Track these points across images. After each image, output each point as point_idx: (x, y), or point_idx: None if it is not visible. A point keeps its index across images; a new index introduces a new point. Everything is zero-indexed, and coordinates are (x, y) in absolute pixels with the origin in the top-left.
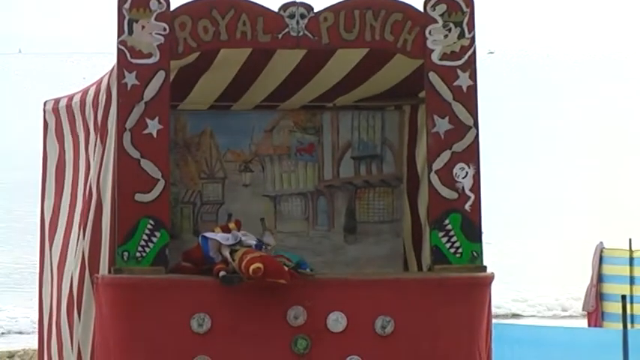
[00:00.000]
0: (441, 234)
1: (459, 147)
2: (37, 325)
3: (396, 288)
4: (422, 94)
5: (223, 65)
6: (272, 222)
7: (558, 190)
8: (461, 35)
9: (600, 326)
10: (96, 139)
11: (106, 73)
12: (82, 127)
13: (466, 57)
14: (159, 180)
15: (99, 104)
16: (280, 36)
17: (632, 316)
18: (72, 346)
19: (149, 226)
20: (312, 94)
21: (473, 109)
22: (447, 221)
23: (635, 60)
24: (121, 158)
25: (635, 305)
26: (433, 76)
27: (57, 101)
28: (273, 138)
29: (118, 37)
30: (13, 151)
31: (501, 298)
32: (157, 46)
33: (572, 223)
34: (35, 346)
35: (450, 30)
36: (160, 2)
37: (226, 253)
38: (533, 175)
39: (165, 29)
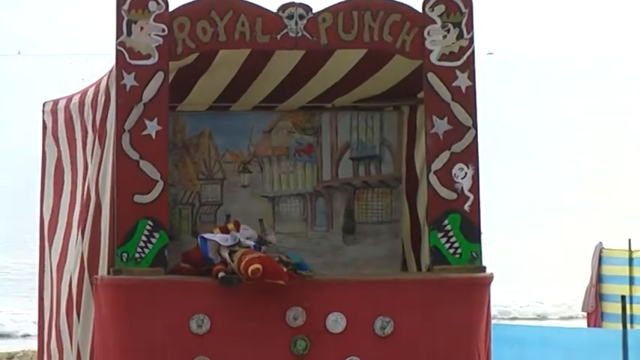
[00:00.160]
0: (440, 234)
1: (457, 147)
2: (36, 326)
3: (396, 289)
4: (421, 95)
5: (222, 66)
6: (271, 223)
7: (557, 191)
8: (460, 36)
9: (600, 327)
10: (94, 140)
11: (105, 75)
12: (80, 128)
13: (465, 57)
14: (158, 181)
15: (98, 105)
16: (279, 37)
17: (631, 316)
18: (71, 346)
19: (148, 227)
20: (310, 95)
21: (472, 110)
22: (446, 222)
23: (634, 60)
24: (120, 159)
25: (634, 305)
26: (432, 77)
27: (56, 102)
28: (272, 139)
29: (117, 38)
30: (13, 152)
31: (500, 299)
32: (156, 47)
33: (571, 224)
34: (35, 347)
35: (448, 30)
36: (158, 3)
37: (225, 254)
38: (532, 175)
39: (163, 30)
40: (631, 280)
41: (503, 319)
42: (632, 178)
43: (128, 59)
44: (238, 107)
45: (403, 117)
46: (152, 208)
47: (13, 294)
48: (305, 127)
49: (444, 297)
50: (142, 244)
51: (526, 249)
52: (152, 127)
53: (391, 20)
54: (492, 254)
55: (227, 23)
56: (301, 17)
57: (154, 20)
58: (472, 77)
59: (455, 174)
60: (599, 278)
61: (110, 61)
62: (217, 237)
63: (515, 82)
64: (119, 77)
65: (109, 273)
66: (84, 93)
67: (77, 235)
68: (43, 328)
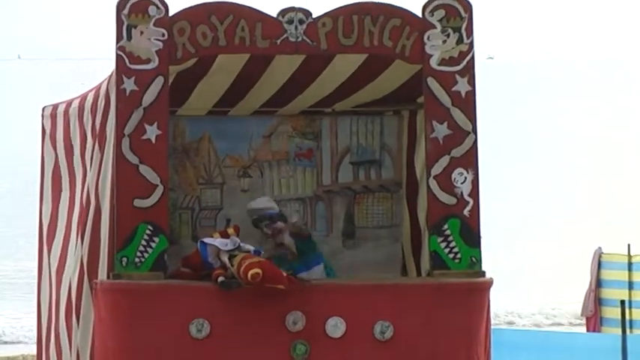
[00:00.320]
0: (439, 239)
1: (457, 152)
2: (35, 331)
3: (395, 293)
4: (420, 100)
5: (222, 71)
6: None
7: (557, 195)
8: (459, 40)
9: (599, 331)
10: (94, 144)
11: (105, 79)
12: (80, 132)
13: (465, 62)
14: (157, 185)
15: (97, 110)
16: (279, 41)
17: (630, 321)
18: (71, 351)
19: (148, 232)
20: (310, 100)
21: (471, 115)
22: (445, 226)
23: (633, 63)
24: (120, 164)
25: (633, 310)
26: (432, 82)
27: (55, 107)
28: (272, 143)
29: (117, 42)
30: (13, 156)
31: (499, 304)
32: (156, 51)
33: (570, 228)
34: (34, 352)
35: (448, 35)
36: (158, 8)
37: (225, 258)
38: (531, 179)
39: (163, 35)
40: (630, 285)
41: (502, 323)
42: (631, 183)
43: (128, 64)
44: (238, 112)
45: (403, 122)
46: (152, 213)
47: (11, 298)
48: (305, 131)
49: (444, 302)
50: (141, 248)
51: (525, 252)
52: (152, 132)
53: (391, 25)
54: (492, 259)
55: (227, 28)
56: (301, 22)
57: (154, 25)
58: (472, 82)
59: (454, 179)
60: (598, 283)
61: (110, 66)
62: (217, 241)
63: (515, 86)
64: (119, 82)
65: (108, 277)
66: (83, 97)
67: (77, 239)
68: (42, 333)
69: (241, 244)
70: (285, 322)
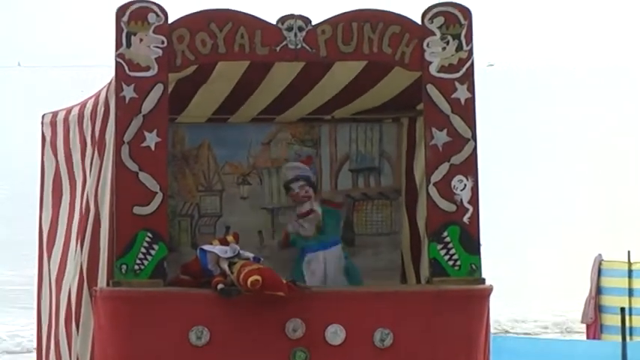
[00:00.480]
0: (439, 246)
1: (457, 159)
2: (35, 339)
3: (395, 300)
4: (420, 107)
5: (221, 78)
6: (270, 235)
7: (557, 202)
8: (459, 47)
9: (599, 339)
10: (94, 151)
11: (104, 86)
12: (79, 139)
13: (464, 69)
14: (157, 193)
15: (97, 117)
16: (278, 49)
17: (630, 328)
18: (70, 358)
19: (147, 239)
20: (310, 107)
21: (471, 122)
22: (445, 234)
23: (635, 71)
24: (119, 171)
25: (633, 318)
26: (431, 89)
27: (55, 114)
28: (271, 151)
29: (116, 50)
30: (13, 164)
31: (499, 311)
32: (155, 59)
33: (570, 235)
34: (34, 359)
35: (447, 42)
36: (158, 15)
37: (224, 265)
38: (531, 186)
39: (163, 42)
40: (630, 292)
41: (501, 330)
42: (632, 190)
43: (127, 71)
44: (237, 119)
45: (402, 129)
46: (151, 220)
47: (12, 307)
48: (304, 138)
49: (444, 309)
50: (141, 255)
51: (525, 260)
52: (151, 139)
53: (390, 32)
54: (492, 266)
55: (226, 35)
56: (300, 29)
57: (154, 32)
58: (471, 89)
59: (454, 186)
60: (598, 290)
61: (109, 73)
62: (216, 249)
63: (515, 93)
64: (118, 89)
65: (108, 284)
66: (83, 105)
67: (76, 246)
68: (42, 340)
69: (241, 252)
70: (285, 329)
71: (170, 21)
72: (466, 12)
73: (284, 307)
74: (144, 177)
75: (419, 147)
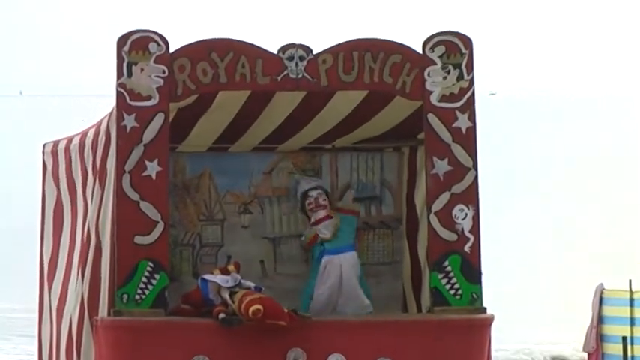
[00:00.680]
0: (440, 275)
1: (458, 188)
2: None
3: (396, 329)
4: (421, 136)
5: (222, 107)
6: (272, 264)
7: (558, 230)
8: (460, 77)
9: None
10: (95, 181)
11: (106, 116)
12: (80, 169)
13: (465, 98)
14: (158, 222)
15: (98, 146)
16: (279, 78)
17: (632, 357)
18: None
19: (148, 269)
20: (311, 136)
21: (472, 151)
22: (446, 263)
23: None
24: (121, 200)
25: (635, 346)
26: (432, 118)
27: (56, 144)
28: (273, 180)
29: (118, 79)
30: (13, 193)
31: (500, 340)
32: (156, 88)
33: (571, 264)
34: None
35: (448, 72)
36: (159, 45)
37: (226, 295)
38: (534, 213)
39: (164, 72)
40: (632, 321)
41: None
42: (633, 218)
43: (129, 100)
44: (239, 148)
45: (403, 158)
46: (152, 250)
47: (12, 337)
48: (305, 168)
49: (445, 338)
50: (142, 285)
51: (526, 288)
52: (152, 168)
53: (391, 61)
54: (492, 295)
55: (227, 64)
56: (301, 58)
57: (155, 61)
58: (472, 118)
59: (455, 215)
60: (600, 319)
61: (110, 103)
62: (218, 278)
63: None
64: (119, 118)
65: (109, 314)
66: (84, 134)
67: (77, 276)
68: None
69: (242, 281)
70: (286, 358)
71: (171, 50)
72: (467, 41)
73: (285, 336)
74: (145, 206)
75: (420, 176)
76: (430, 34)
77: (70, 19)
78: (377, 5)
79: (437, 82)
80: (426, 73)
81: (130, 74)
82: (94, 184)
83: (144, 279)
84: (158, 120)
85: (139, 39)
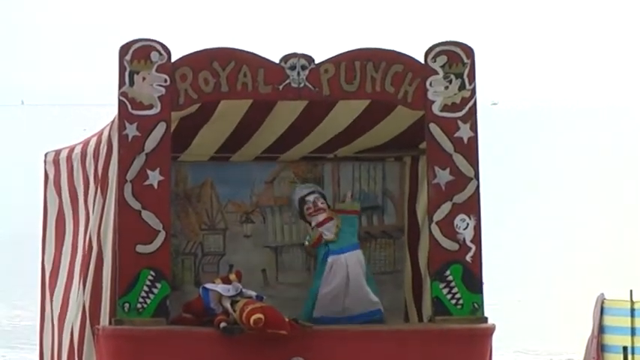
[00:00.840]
0: (441, 285)
1: (459, 198)
2: None
3: (397, 339)
4: (423, 146)
5: (224, 116)
6: (273, 273)
7: (559, 240)
8: (462, 87)
9: None
10: (96, 190)
11: (107, 125)
12: (82, 178)
13: (467, 108)
14: (160, 231)
15: (100, 155)
16: (281, 87)
17: None
18: None
19: (150, 278)
20: (312, 145)
21: (474, 161)
22: (447, 272)
23: (635, 110)
24: (122, 209)
25: (636, 357)
26: (434, 128)
27: (58, 153)
28: (274, 189)
29: (119, 88)
30: (15, 203)
31: (501, 351)
32: (158, 97)
33: (572, 275)
34: None
35: (450, 81)
36: (160, 54)
37: (227, 304)
38: (535, 223)
39: (166, 81)
40: (633, 331)
41: None
42: (635, 229)
43: (130, 109)
44: (240, 157)
45: (405, 167)
46: (154, 259)
47: (13, 348)
48: (307, 177)
49: (446, 348)
50: (143, 294)
51: (527, 298)
52: (154, 177)
53: (393, 71)
54: (492, 305)
55: (229, 74)
56: (303, 68)
57: (156, 70)
58: (474, 128)
59: (457, 225)
60: (600, 329)
61: (112, 111)
62: (219, 287)
63: (519, 132)
64: (121, 127)
65: (110, 323)
66: (86, 143)
67: (79, 285)
68: None
69: (243, 290)
70: None
71: (173, 59)
72: (469, 51)
73: (286, 346)
74: (146, 215)
75: (421, 186)
76: (432, 44)
77: (71, 29)
78: (379, 15)
79: (439, 91)
80: (427, 83)
81: (131, 83)
82: (96, 193)
83: (145, 288)
84: (160, 129)
85: (141, 48)
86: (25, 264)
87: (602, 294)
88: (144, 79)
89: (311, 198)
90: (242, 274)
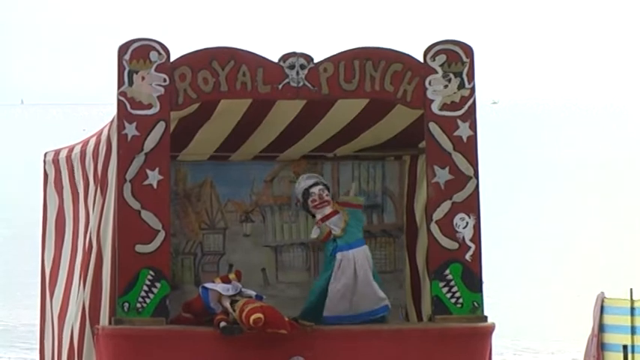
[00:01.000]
0: (441, 284)
1: (459, 197)
2: None
3: (398, 338)
4: (422, 145)
5: (223, 116)
6: (273, 272)
7: (559, 239)
8: (461, 85)
9: None
10: (96, 189)
11: (106, 124)
12: (81, 178)
13: (466, 107)
14: (159, 231)
15: (99, 155)
16: (280, 86)
17: None
18: None
19: (149, 277)
20: (312, 145)
21: (473, 159)
22: (447, 271)
23: (634, 108)
24: (122, 209)
25: (636, 355)
26: (433, 127)
27: (57, 152)
28: (274, 188)
29: (118, 88)
30: (14, 202)
31: (500, 349)
32: (157, 97)
33: (572, 272)
34: None
35: (449, 80)
36: (160, 53)
37: (227, 303)
38: (534, 222)
39: (165, 80)
40: (633, 330)
41: None
42: (635, 228)
43: (129, 109)
44: (240, 156)
45: (404, 166)
46: (153, 258)
47: (14, 349)
48: None
49: (446, 347)
50: (143, 294)
51: (527, 297)
52: (153, 177)
53: (392, 70)
54: (492, 303)
55: (228, 73)
56: (302, 67)
57: (156, 70)
58: (473, 127)
59: (456, 223)
60: (600, 328)
61: (111, 111)
62: (219, 287)
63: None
64: (120, 127)
65: (110, 323)
66: (85, 143)
67: (79, 284)
68: None
69: (243, 290)
70: None
71: (172, 59)
72: (468, 50)
73: (286, 345)
74: (146, 215)
75: (420, 185)
76: (431, 43)
77: (71, 29)
78: (378, 14)
79: (438, 90)
80: (427, 82)
81: (130, 83)
82: (96, 192)
83: (145, 288)
84: (159, 128)
85: (140, 47)
86: (25, 264)
87: (602, 293)
88: (143, 78)
89: (316, 190)
90: (242, 273)
